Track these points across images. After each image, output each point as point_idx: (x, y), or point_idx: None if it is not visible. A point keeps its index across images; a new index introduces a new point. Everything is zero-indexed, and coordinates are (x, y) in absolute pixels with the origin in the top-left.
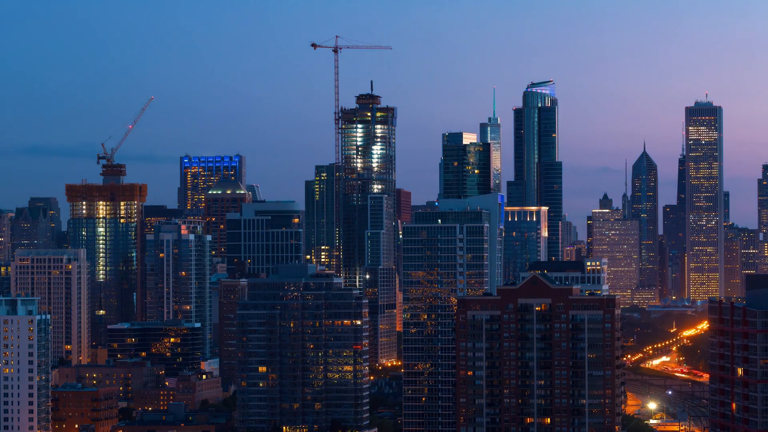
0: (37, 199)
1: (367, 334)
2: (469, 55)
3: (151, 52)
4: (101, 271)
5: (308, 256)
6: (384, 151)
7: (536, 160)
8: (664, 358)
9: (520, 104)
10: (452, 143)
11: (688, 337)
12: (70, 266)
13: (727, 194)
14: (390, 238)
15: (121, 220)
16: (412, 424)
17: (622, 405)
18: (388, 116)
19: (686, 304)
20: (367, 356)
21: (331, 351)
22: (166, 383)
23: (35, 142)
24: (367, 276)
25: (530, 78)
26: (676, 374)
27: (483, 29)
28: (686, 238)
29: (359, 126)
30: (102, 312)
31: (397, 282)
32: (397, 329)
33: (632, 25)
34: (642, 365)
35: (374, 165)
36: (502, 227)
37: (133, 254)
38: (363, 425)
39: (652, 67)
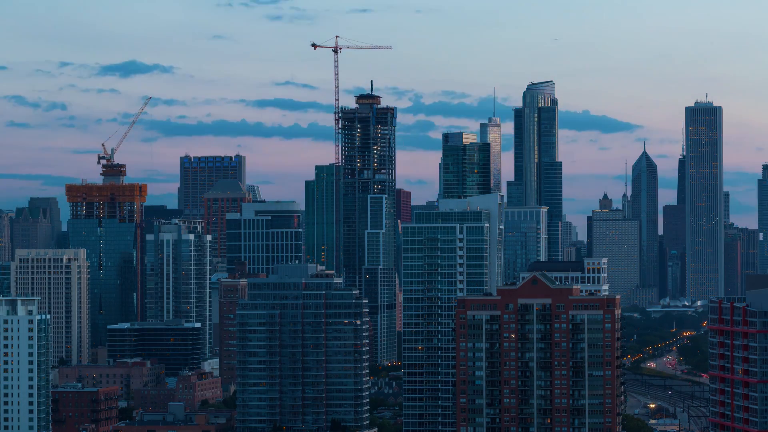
0: (37, 199)
1: (367, 334)
2: (469, 54)
3: (149, 50)
4: (101, 272)
5: (308, 256)
6: (384, 151)
7: (536, 160)
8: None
9: (520, 104)
10: (452, 143)
11: (688, 337)
12: (70, 266)
13: (727, 194)
14: (390, 238)
15: (121, 221)
16: (412, 424)
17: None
18: (388, 116)
19: (686, 304)
20: (367, 356)
21: (331, 351)
22: (166, 383)
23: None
24: (367, 276)
25: (530, 78)
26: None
27: (483, 29)
28: (686, 238)
29: (359, 126)
30: (102, 312)
31: (397, 282)
32: (397, 329)
33: (632, 24)
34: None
35: (374, 165)
36: (502, 227)
37: (133, 254)
38: (363, 425)
39: (653, 66)
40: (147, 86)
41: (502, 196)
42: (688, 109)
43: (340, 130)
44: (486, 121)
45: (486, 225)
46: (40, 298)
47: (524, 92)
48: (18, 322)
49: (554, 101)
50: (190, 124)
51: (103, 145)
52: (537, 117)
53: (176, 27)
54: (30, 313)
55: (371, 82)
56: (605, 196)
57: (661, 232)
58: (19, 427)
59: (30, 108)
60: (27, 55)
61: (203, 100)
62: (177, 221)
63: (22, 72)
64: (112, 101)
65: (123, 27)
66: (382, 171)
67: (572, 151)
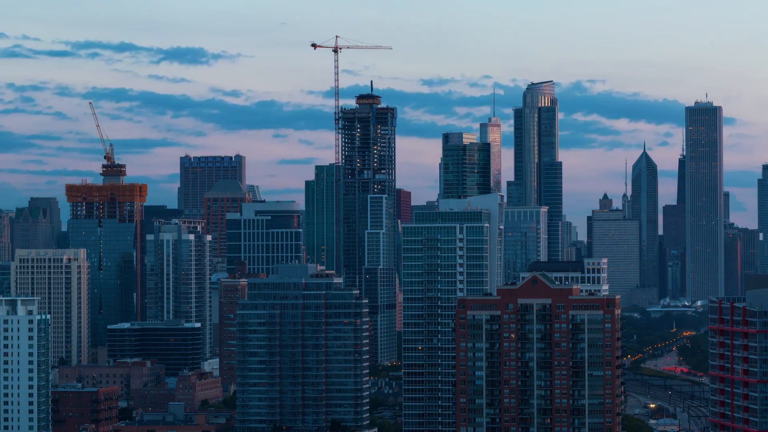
0: (37, 199)
1: (367, 334)
2: (470, 54)
3: (213, 37)
4: (101, 272)
5: (308, 256)
6: (384, 151)
7: (536, 160)
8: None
9: (520, 104)
10: (452, 143)
11: (688, 337)
12: (70, 266)
13: (727, 194)
14: (390, 238)
15: (121, 221)
16: (412, 424)
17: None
18: (388, 116)
19: (686, 304)
20: (367, 356)
21: (331, 351)
22: (166, 383)
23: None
24: (367, 276)
25: (530, 78)
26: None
27: (483, 29)
28: (686, 238)
29: (359, 126)
30: (102, 312)
31: (397, 282)
32: (397, 329)
33: (632, 24)
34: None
35: (374, 165)
36: (502, 227)
37: (133, 254)
38: (363, 425)
39: (652, 66)
40: (210, 74)
41: (502, 196)
42: (688, 109)
43: (340, 130)
44: (486, 121)
45: (486, 225)
46: (40, 298)
47: (524, 92)
48: (18, 322)
49: (554, 101)
50: (250, 119)
51: (103, 144)
52: (537, 117)
53: (241, 13)
54: (30, 313)
55: (371, 82)
56: (605, 196)
57: (661, 232)
58: (19, 427)
59: (82, 99)
60: (85, 37)
61: (264, 91)
62: (177, 221)
63: (76, 59)
64: (178, 89)
65: (186, 12)
66: (382, 171)
67: (572, 149)
